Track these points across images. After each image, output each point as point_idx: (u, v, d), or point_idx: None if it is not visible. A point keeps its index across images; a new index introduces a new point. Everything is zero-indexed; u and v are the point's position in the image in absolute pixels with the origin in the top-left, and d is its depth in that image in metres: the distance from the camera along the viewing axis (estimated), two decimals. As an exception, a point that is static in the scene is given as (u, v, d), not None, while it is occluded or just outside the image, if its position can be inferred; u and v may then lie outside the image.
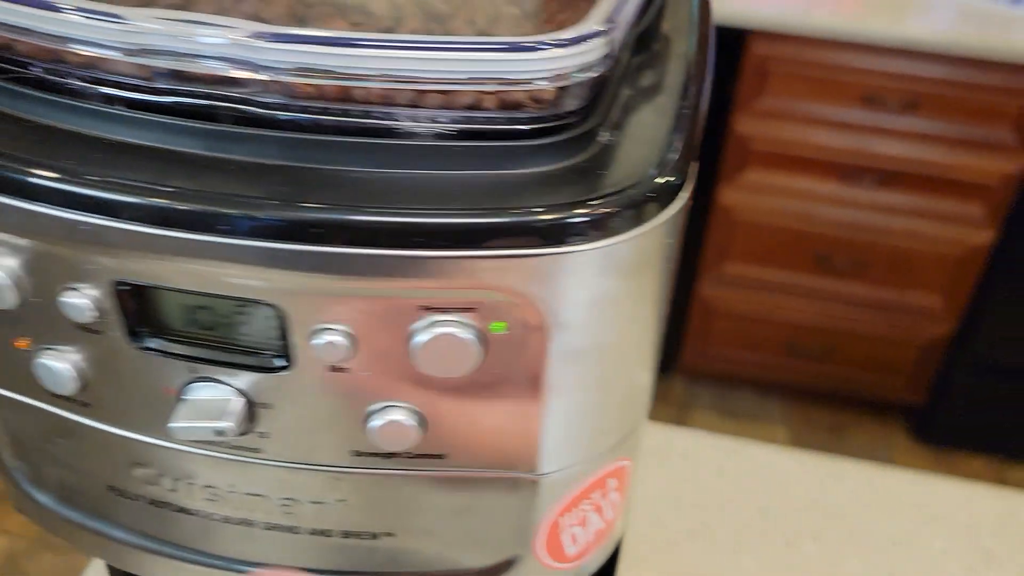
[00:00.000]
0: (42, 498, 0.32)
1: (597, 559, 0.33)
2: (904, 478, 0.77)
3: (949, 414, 1.95)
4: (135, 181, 0.23)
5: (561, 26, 0.25)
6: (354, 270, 0.23)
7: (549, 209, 0.23)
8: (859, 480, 0.77)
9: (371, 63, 0.23)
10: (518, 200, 0.23)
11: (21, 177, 0.23)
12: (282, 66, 0.22)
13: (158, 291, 0.25)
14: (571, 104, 0.25)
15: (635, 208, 0.24)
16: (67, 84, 0.25)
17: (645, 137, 0.27)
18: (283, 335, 0.25)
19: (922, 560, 0.71)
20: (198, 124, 0.24)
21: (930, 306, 1.85)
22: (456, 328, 0.24)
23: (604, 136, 0.26)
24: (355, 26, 0.26)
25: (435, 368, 0.25)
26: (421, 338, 0.24)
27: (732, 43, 1.70)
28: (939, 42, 1.63)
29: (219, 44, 0.22)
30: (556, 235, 0.23)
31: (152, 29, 0.22)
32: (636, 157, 0.26)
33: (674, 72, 0.31)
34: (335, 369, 0.25)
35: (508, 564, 0.30)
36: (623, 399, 0.28)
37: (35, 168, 0.23)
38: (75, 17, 0.23)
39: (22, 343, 0.27)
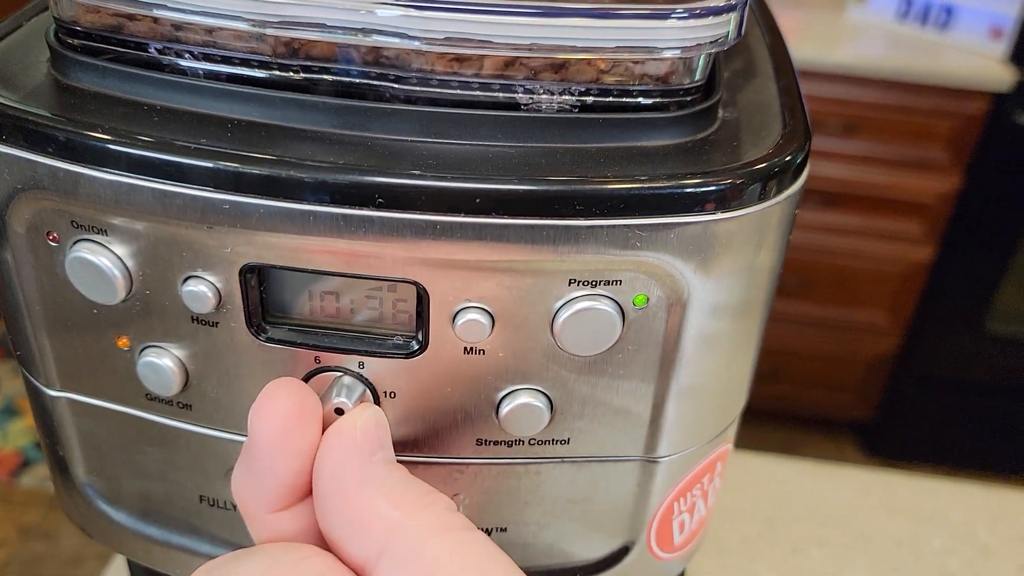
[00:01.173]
0: (118, 516, 0.30)
1: (692, 551, 0.32)
2: (900, 481, 0.79)
3: (897, 428, 2.00)
4: (274, 156, 0.22)
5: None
6: (506, 241, 0.22)
7: (695, 177, 0.23)
8: (857, 484, 0.78)
9: (516, 31, 0.22)
10: (661, 170, 0.23)
11: (156, 155, 0.22)
12: (432, 35, 0.22)
13: (284, 276, 0.24)
14: (698, 78, 0.25)
15: (773, 179, 0.24)
16: (181, 62, 0.24)
17: (758, 114, 0.27)
18: (420, 316, 0.24)
19: (924, 558, 0.72)
20: (331, 100, 0.23)
21: (875, 322, 1.90)
22: (600, 302, 0.24)
23: (725, 112, 0.26)
24: None
25: (575, 345, 0.24)
26: (565, 313, 0.24)
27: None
28: (872, 67, 1.70)
29: (388, 16, 0.21)
30: (702, 203, 0.23)
31: (309, 1, 0.21)
32: (759, 132, 0.26)
33: (759, 57, 0.32)
34: (469, 351, 0.24)
35: (619, 556, 0.29)
36: (735, 381, 0.28)
37: (169, 146, 0.22)
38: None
39: (123, 341, 0.26)
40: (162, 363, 0.25)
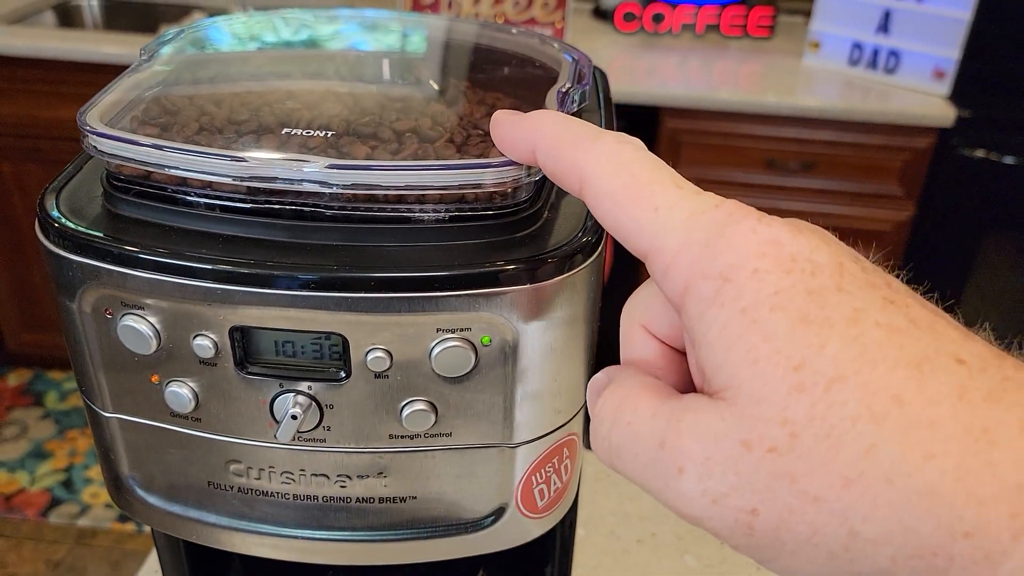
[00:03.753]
0: (151, 499, 0.44)
1: (559, 513, 0.45)
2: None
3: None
4: (247, 260, 0.36)
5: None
6: (394, 307, 0.36)
7: (513, 263, 0.36)
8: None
9: (395, 180, 0.36)
10: (494, 257, 0.37)
11: (174, 261, 0.36)
12: (343, 183, 0.36)
13: (258, 333, 0.38)
14: (523, 196, 0.39)
15: (569, 258, 0.38)
16: (188, 199, 0.38)
17: (573, 212, 0.40)
18: (344, 356, 0.38)
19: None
20: (286, 222, 0.37)
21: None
22: (459, 343, 0.37)
23: (547, 214, 0.40)
24: (372, 149, 0.40)
25: (446, 370, 0.38)
26: (436, 350, 0.37)
27: (648, 119, 1.89)
28: (827, 109, 1.84)
29: (312, 172, 0.35)
30: (518, 279, 0.36)
31: (267, 162, 0.35)
32: (568, 226, 0.39)
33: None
34: (378, 376, 0.38)
35: (497, 514, 0.43)
36: (568, 388, 0.41)
37: (182, 255, 0.36)
38: (210, 159, 0.36)
39: (155, 378, 0.39)
40: (181, 391, 0.39)
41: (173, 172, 0.37)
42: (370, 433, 0.40)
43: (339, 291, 0.35)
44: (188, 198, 0.38)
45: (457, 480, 0.41)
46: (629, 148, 0.26)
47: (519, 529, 0.44)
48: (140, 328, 0.38)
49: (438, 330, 0.37)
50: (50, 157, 2.11)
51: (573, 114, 0.45)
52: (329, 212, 0.38)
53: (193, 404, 0.39)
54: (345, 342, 0.37)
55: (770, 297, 0.21)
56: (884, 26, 1.86)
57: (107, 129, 0.38)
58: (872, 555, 0.20)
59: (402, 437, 0.40)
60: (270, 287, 0.36)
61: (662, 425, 0.23)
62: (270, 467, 0.41)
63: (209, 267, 0.36)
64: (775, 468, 0.20)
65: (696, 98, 1.87)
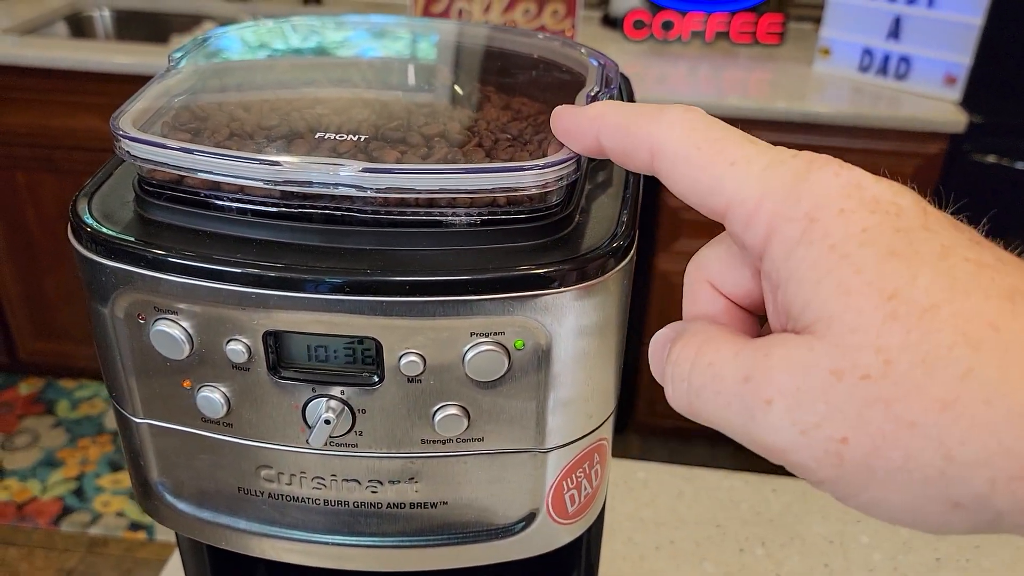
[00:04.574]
0: (181, 505, 0.44)
1: (588, 519, 0.45)
2: (831, 488, 0.91)
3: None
4: (281, 264, 0.36)
5: (540, 146, 0.39)
6: (425, 312, 0.36)
7: (546, 266, 0.36)
8: (796, 492, 0.90)
9: (429, 183, 0.36)
10: (528, 260, 0.37)
11: (207, 266, 0.36)
12: (377, 187, 0.36)
13: (292, 337, 0.38)
14: (555, 200, 0.39)
15: (600, 262, 0.37)
16: (220, 203, 0.38)
17: (604, 216, 0.40)
18: (377, 360, 0.38)
19: (851, 554, 0.84)
20: (318, 226, 0.37)
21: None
22: (492, 346, 0.37)
23: (578, 218, 0.40)
24: (402, 154, 0.40)
25: (479, 375, 0.38)
26: (470, 354, 0.37)
27: (657, 126, 1.88)
28: (838, 116, 1.84)
29: (347, 175, 0.35)
30: (552, 282, 0.36)
31: (301, 166, 0.35)
32: (599, 230, 0.39)
33: (617, 170, 0.45)
34: (411, 380, 0.38)
35: (528, 519, 0.42)
36: (599, 393, 0.41)
37: (215, 259, 0.36)
38: (243, 163, 0.36)
39: (187, 383, 0.39)
40: (213, 396, 0.39)
41: (206, 176, 0.37)
42: (402, 438, 0.39)
43: (373, 295, 0.35)
44: (220, 203, 0.38)
45: (488, 485, 0.41)
46: (697, 113, 0.27)
47: (549, 535, 0.43)
48: (173, 333, 0.38)
49: (472, 334, 0.37)
50: (63, 167, 2.12)
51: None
52: (362, 216, 0.38)
53: (225, 409, 0.39)
54: (379, 346, 0.37)
55: (858, 234, 0.21)
56: (895, 32, 1.86)
57: (139, 134, 0.38)
58: (969, 479, 0.20)
59: (434, 442, 0.40)
60: (304, 291, 0.36)
61: (747, 361, 0.23)
62: (301, 472, 0.41)
63: (242, 271, 0.36)
64: (868, 395, 0.20)
65: (706, 105, 1.84)
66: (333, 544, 0.43)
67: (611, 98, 0.45)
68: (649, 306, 2.04)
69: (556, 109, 0.34)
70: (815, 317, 0.21)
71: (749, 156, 0.25)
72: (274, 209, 0.38)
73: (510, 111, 0.46)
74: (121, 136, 0.38)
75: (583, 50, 0.51)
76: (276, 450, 0.40)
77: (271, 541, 0.43)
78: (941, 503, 0.21)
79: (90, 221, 0.38)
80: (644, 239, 2.01)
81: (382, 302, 0.36)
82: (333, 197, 0.37)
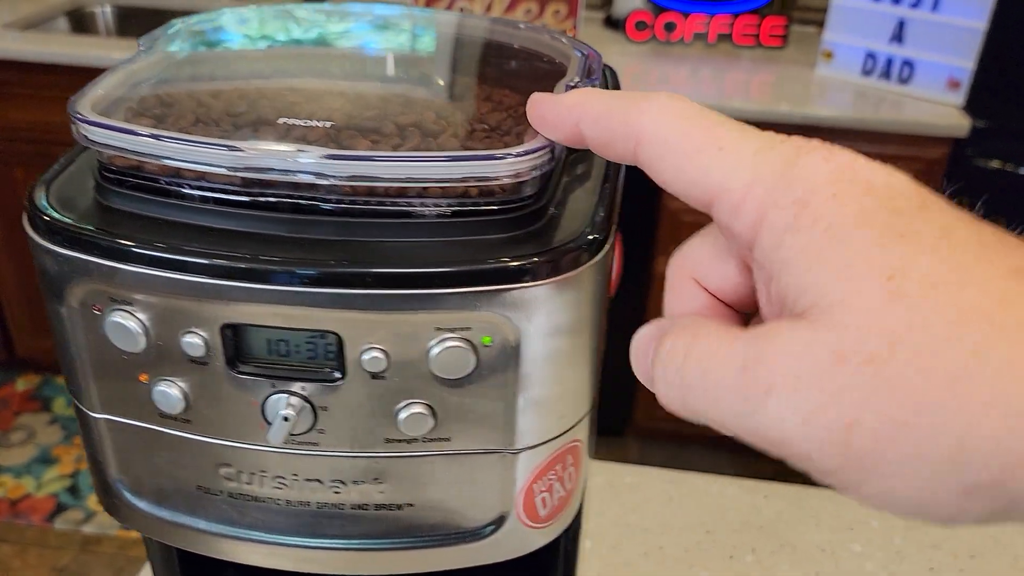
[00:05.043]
0: (140, 504, 0.42)
1: (562, 523, 0.43)
2: (825, 494, 0.89)
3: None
4: (238, 254, 0.34)
5: (519, 137, 0.38)
6: (387, 306, 0.34)
7: (514, 259, 0.35)
8: (788, 498, 0.89)
9: (395, 171, 0.35)
10: (497, 253, 0.35)
11: (164, 255, 0.34)
12: (341, 174, 0.34)
13: (250, 330, 0.36)
14: (528, 191, 0.37)
15: (573, 256, 0.36)
16: (182, 191, 0.37)
17: (580, 209, 0.39)
18: (339, 355, 0.36)
19: (843, 563, 0.82)
20: (282, 215, 0.36)
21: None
22: (458, 343, 0.36)
23: (552, 210, 0.39)
24: (374, 144, 0.39)
25: (444, 372, 0.36)
26: (435, 350, 0.36)
27: (658, 128, 1.87)
28: (840, 119, 1.82)
29: (308, 162, 0.34)
30: (522, 276, 0.35)
31: (262, 152, 0.34)
32: (574, 224, 0.38)
33: (597, 162, 0.44)
34: (375, 377, 0.36)
35: (498, 522, 0.41)
36: (572, 393, 0.40)
37: (171, 248, 0.35)
38: (203, 148, 0.34)
39: (144, 377, 0.38)
40: (170, 391, 0.38)
41: (164, 162, 0.35)
42: (366, 437, 0.38)
43: (333, 287, 0.34)
44: (182, 190, 0.37)
45: (456, 487, 0.40)
46: (683, 100, 0.26)
47: (521, 539, 0.42)
48: (128, 325, 0.36)
49: (437, 329, 0.36)
50: (60, 162, 2.10)
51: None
52: (327, 206, 0.36)
53: (183, 405, 0.38)
54: (340, 341, 0.36)
55: (853, 216, 0.21)
56: (898, 35, 1.84)
57: (97, 117, 0.37)
58: (982, 463, 0.19)
59: (399, 441, 0.38)
60: (261, 282, 0.34)
61: (743, 349, 0.22)
62: (262, 471, 0.39)
63: (198, 261, 0.34)
64: (874, 378, 0.19)
65: (708, 107, 1.84)
66: (295, 546, 0.41)
67: (595, 86, 0.44)
68: (648, 309, 2.03)
69: (532, 96, 0.33)
70: (812, 302, 0.21)
71: (737, 141, 0.24)
72: (236, 198, 0.36)
73: (490, 102, 0.45)
74: (78, 119, 0.37)
75: (566, 40, 0.49)
76: (236, 448, 0.39)
77: (232, 542, 0.42)
78: (953, 490, 0.20)
79: (46, 207, 0.37)
80: (643, 242, 2.00)
81: (342, 294, 0.34)
82: (298, 185, 0.36)
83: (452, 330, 0.36)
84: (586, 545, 0.83)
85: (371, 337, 0.36)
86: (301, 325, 0.36)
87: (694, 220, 1.94)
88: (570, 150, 0.43)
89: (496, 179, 0.36)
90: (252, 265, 0.34)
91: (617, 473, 0.94)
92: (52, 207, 0.37)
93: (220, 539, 0.42)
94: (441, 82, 0.49)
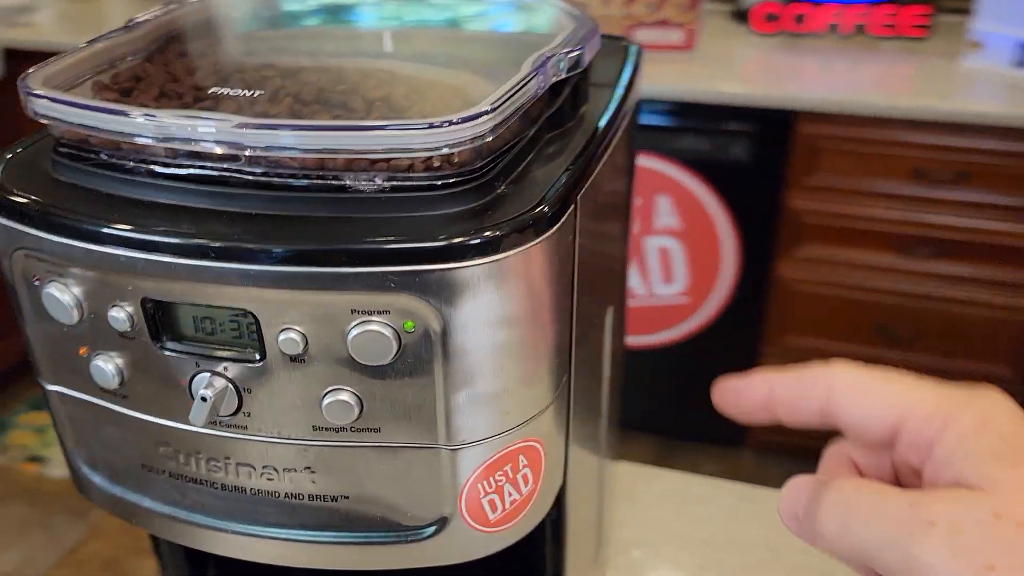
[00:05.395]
0: (96, 479, 0.42)
1: (519, 529, 0.40)
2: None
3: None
4: (147, 225, 0.33)
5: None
6: (298, 284, 0.32)
7: (434, 238, 0.32)
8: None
9: (310, 141, 0.33)
10: (424, 232, 0.32)
11: (82, 226, 0.34)
12: (258, 145, 0.33)
13: (172, 305, 0.35)
14: (475, 165, 0.34)
15: (513, 235, 0.33)
16: (123, 164, 0.36)
17: (536, 190, 0.36)
18: (258, 336, 0.34)
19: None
20: (213, 188, 0.34)
21: (998, 375, 1.83)
22: (376, 327, 0.33)
23: (501, 188, 0.35)
24: (335, 118, 0.37)
25: (365, 357, 0.34)
26: (352, 333, 0.33)
27: (780, 123, 1.77)
28: (987, 115, 1.67)
29: (210, 132, 0.32)
30: (441, 256, 0.32)
31: (168, 122, 0.33)
32: (520, 202, 0.35)
33: (577, 143, 0.40)
34: (295, 360, 0.35)
35: (440, 523, 0.38)
36: (519, 388, 0.36)
37: (87, 218, 0.34)
38: (122, 117, 0.33)
39: (83, 350, 0.38)
40: (105, 367, 0.37)
41: (87, 132, 0.35)
42: (292, 423, 0.36)
43: (239, 262, 0.32)
44: (123, 164, 0.36)
45: (391, 482, 0.37)
46: (857, 363, 0.32)
47: (468, 543, 0.39)
48: (61, 297, 0.36)
49: (353, 311, 0.33)
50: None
51: (561, 80, 0.41)
52: (254, 179, 0.35)
53: (117, 380, 0.37)
54: (256, 320, 0.34)
55: (1017, 433, 0.27)
56: (1057, 22, 1.67)
57: (42, 89, 0.37)
58: None
59: (326, 430, 0.36)
60: (171, 255, 0.33)
61: (914, 494, 0.27)
62: (196, 452, 0.38)
63: (113, 232, 0.33)
64: (1020, 538, 0.25)
65: (838, 102, 1.73)
66: (235, 533, 0.40)
67: (576, 60, 0.40)
68: (767, 314, 1.93)
69: (719, 387, 0.36)
70: (980, 481, 0.26)
71: (919, 381, 0.30)
72: (168, 171, 0.35)
73: (475, 75, 0.42)
74: (23, 91, 0.37)
75: (563, 8, 0.46)
76: (171, 427, 0.38)
77: (177, 524, 0.41)
78: None
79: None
80: (762, 243, 1.90)
81: (250, 271, 0.32)
82: (222, 156, 0.34)
83: (369, 313, 0.33)
84: (634, 555, 0.79)
85: (286, 318, 0.34)
86: (214, 302, 0.34)
87: (816, 222, 1.83)
88: (540, 127, 0.40)
89: (420, 151, 0.33)
90: (157, 238, 0.33)
91: (687, 483, 0.89)
92: (2, 177, 0.37)
93: (166, 520, 0.41)
94: (428, 57, 0.47)
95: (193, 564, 0.52)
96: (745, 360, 1.99)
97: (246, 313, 0.34)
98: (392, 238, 0.32)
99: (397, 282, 0.32)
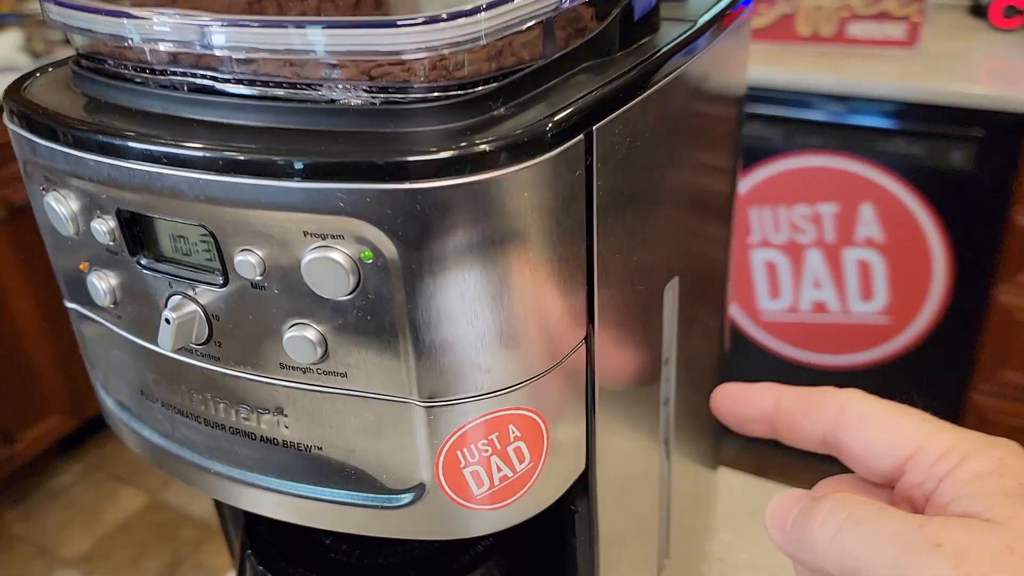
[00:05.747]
0: (109, 402, 0.42)
1: (517, 512, 0.35)
2: None
3: None
4: (124, 131, 0.31)
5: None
6: (245, 198, 0.29)
7: (387, 152, 0.28)
8: None
9: (279, 40, 0.30)
10: (378, 148, 0.28)
11: (59, 129, 0.33)
12: (229, 45, 0.30)
13: (143, 218, 0.33)
14: (463, 75, 0.30)
15: (486, 155, 0.28)
16: (122, 73, 0.35)
17: (527, 117, 0.30)
18: (220, 256, 0.32)
19: None
20: (193, 96, 0.32)
21: None
22: (330, 253, 0.29)
23: (497, 109, 0.31)
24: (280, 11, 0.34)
25: (322, 288, 0.30)
26: (306, 259, 0.30)
27: (1011, 130, 1.56)
28: None
29: (166, 31, 0.30)
30: (391, 174, 0.28)
31: (128, 22, 0.31)
32: (511, 125, 0.30)
33: (614, 72, 0.34)
34: (255, 287, 0.32)
35: (419, 490, 0.34)
36: (505, 344, 0.31)
37: (69, 125, 0.33)
38: (98, 16, 0.32)
39: (83, 265, 0.37)
40: (99, 284, 0.36)
41: (86, 37, 0.34)
42: (258, 357, 0.33)
43: (187, 168, 0.30)
44: (122, 72, 0.35)
45: (364, 436, 0.33)
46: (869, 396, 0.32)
47: (450, 518, 0.34)
48: (58, 207, 0.35)
49: (305, 234, 0.30)
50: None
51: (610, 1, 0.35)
52: (235, 89, 0.32)
53: (108, 298, 0.36)
54: (214, 237, 0.31)
55: None
56: None
57: (58, -3, 0.36)
58: None
59: (293, 369, 0.33)
60: (131, 160, 0.31)
61: (923, 518, 0.27)
62: (180, 382, 0.36)
63: (78, 134, 0.32)
64: None
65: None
66: (216, 474, 0.38)
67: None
68: (981, 345, 1.71)
69: (717, 392, 0.36)
70: (994, 516, 0.26)
71: (936, 419, 0.30)
72: (160, 79, 0.34)
73: None
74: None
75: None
76: (156, 352, 0.36)
77: (168, 457, 0.39)
78: None
79: (21, 90, 0.37)
80: (981, 264, 1.68)
81: (198, 180, 0.30)
82: (214, 66, 0.32)
83: (322, 237, 0.29)
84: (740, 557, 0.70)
85: (242, 237, 0.31)
86: (175, 215, 0.32)
87: (1051, 243, 1.59)
88: (574, 50, 0.35)
89: (397, 53, 0.29)
90: (120, 141, 0.31)
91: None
92: (26, 90, 0.37)
93: (160, 451, 0.39)
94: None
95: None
96: (951, 395, 1.78)
97: (208, 232, 0.32)
98: (340, 149, 0.28)
99: (346, 200, 0.28)
